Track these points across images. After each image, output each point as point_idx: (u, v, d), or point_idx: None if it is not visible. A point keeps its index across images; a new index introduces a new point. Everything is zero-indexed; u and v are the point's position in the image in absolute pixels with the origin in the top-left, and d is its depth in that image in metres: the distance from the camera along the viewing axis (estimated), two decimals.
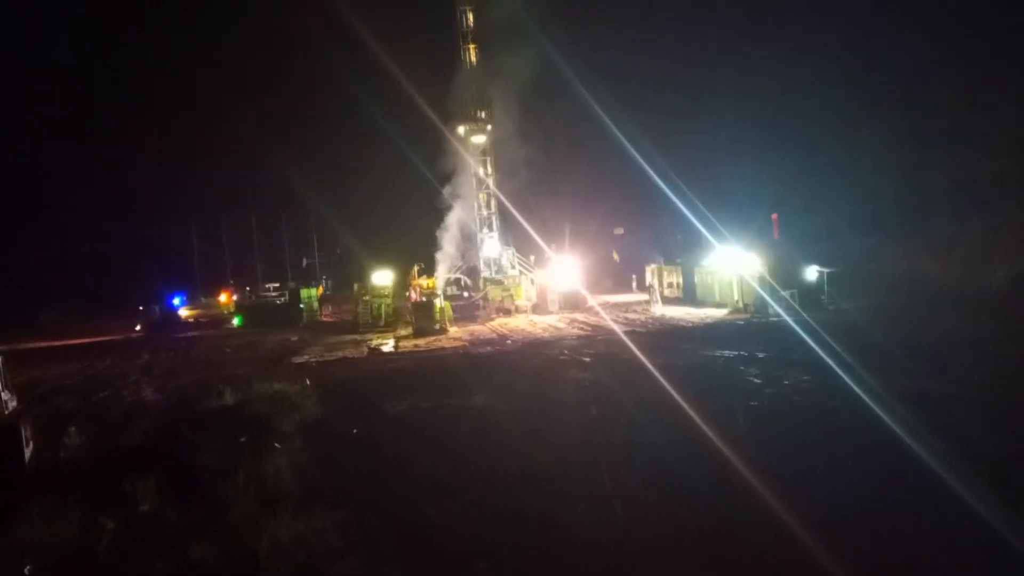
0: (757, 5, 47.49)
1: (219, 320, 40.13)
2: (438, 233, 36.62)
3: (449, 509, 9.16)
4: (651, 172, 36.38)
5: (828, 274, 28.14)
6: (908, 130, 38.42)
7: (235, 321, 39.09)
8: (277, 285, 45.22)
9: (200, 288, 46.24)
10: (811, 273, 28.14)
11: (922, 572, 7.11)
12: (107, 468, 11.03)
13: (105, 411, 16.95)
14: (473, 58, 37.16)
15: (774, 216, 31.96)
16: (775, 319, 25.98)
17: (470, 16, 36.99)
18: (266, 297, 43.05)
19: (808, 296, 27.40)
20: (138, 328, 38.76)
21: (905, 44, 38.97)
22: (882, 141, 39.46)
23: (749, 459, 9.77)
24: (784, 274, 27.85)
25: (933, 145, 36.93)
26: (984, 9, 37.30)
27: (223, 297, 41.78)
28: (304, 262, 54.21)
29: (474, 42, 37.09)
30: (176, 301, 41.90)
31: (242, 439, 12.25)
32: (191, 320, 41.09)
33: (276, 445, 11.97)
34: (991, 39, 36.34)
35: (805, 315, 24.69)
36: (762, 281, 27.95)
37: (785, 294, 27.09)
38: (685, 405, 13.14)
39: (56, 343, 34.28)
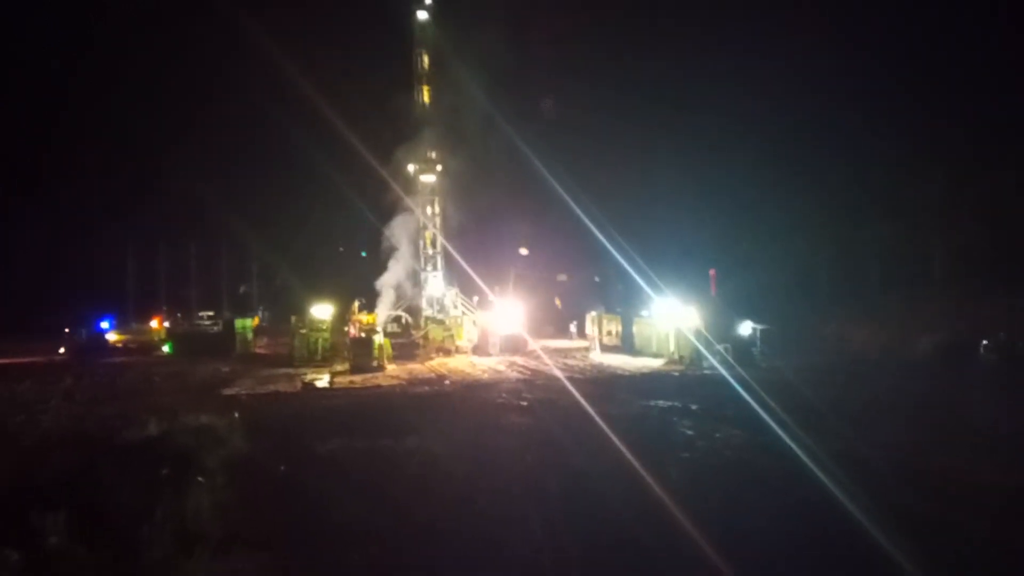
0: (705, 64, 48.99)
1: (149, 347, 38.78)
2: (381, 269, 36.43)
3: (375, 556, 8.97)
4: (593, 225, 36.84)
5: (761, 331, 28.88)
6: (841, 202, 40.41)
7: (165, 348, 37.92)
8: (211, 314, 44.08)
9: (131, 313, 44.62)
10: (745, 328, 28.81)
11: None
12: (14, 497, 10.47)
13: (19, 437, 16.15)
14: (427, 99, 37.66)
15: (711, 272, 32.73)
16: (709, 372, 26.44)
17: (425, 59, 37.62)
18: (199, 325, 41.92)
19: (741, 350, 27.99)
20: (62, 351, 37.15)
21: (841, 117, 40.86)
22: (816, 211, 41.28)
23: (684, 511, 9.87)
24: (719, 328, 28.45)
25: (864, 218, 38.86)
26: (918, 87, 39.46)
27: (154, 323, 40.48)
28: (241, 289, 53.01)
29: (428, 84, 37.66)
30: (104, 325, 40.28)
31: (163, 472, 11.81)
32: (119, 345, 39.58)
33: (199, 480, 11.57)
34: (925, 117, 38.44)
35: (739, 369, 25.19)
36: (698, 334, 28.47)
37: (720, 347, 27.64)
38: (622, 453, 13.23)
39: None
